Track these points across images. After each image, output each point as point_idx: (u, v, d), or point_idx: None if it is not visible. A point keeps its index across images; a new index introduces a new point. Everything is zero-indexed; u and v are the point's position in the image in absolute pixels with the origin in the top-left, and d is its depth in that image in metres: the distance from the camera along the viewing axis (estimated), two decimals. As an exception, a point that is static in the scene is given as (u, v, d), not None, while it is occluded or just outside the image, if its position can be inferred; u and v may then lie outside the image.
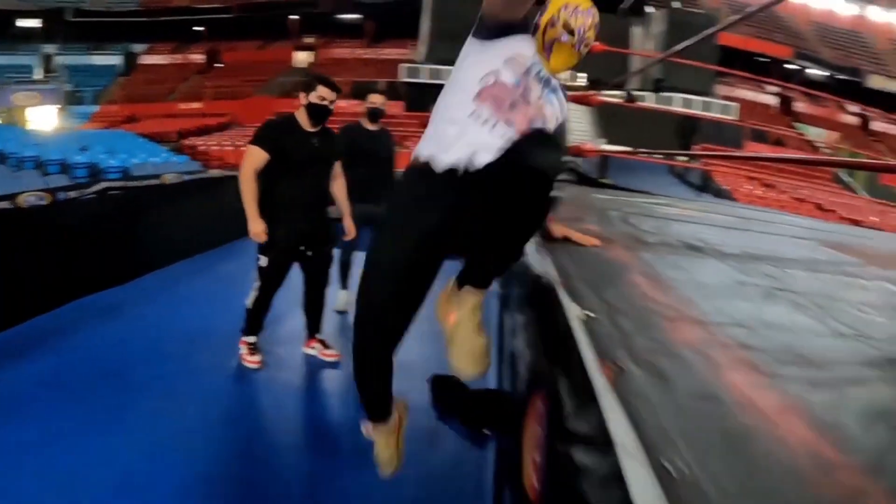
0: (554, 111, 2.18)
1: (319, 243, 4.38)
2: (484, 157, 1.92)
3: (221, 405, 3.77)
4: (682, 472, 0.81)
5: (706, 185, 18.38)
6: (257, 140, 4.04)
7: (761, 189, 20.17)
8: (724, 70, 23.42)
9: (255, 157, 4.00)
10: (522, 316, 2.26)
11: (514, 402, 2.23)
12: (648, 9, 27.39)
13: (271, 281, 4.25)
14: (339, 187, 4.53)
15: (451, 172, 1.92)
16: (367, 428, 2.25)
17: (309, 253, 4.33)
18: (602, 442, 0.88)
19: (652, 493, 0.75)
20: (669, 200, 5.61)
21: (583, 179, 9.22)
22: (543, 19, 2.19)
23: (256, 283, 4.25)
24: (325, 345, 4.60)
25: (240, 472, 3.09)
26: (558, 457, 0.88)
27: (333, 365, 4.49)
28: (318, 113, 4.14)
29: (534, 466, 1.30)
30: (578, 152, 5.51)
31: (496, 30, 2.02)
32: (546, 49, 2.18)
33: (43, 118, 33.26)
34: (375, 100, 5.27)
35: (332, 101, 4.13)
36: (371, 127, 5.31)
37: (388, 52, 34.46)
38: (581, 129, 23.04)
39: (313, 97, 4.07)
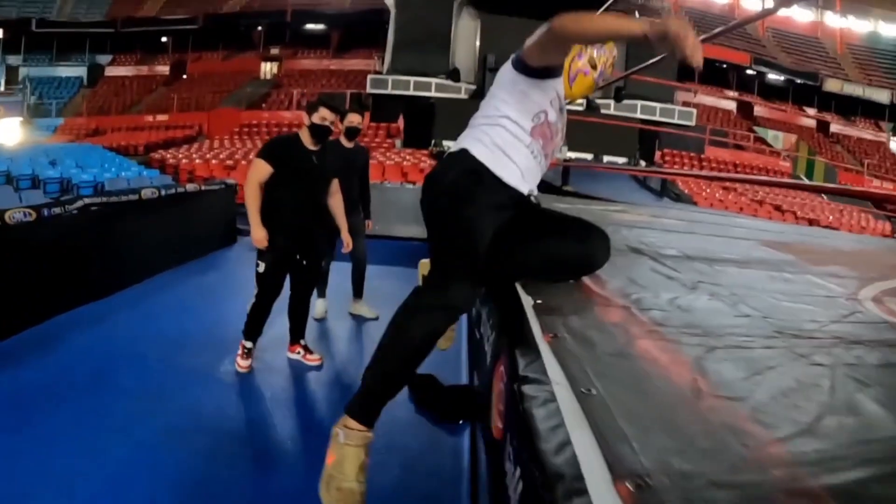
0: (563, 133, 2.60)
1: (313, 253, 4.73)
2: (527, 187, 2.31)
3: (207, 407, 3.94)
4: (594, 395, 1.23)
5: (665, 190, 18.86)
6: (263, 154, 4.41)
7: (720, 192, 20.69)
8: (680, 85, 23.95)
9: (260, 170, 4.35)
10: (487, 307, 2.58)
11: (483, 394, 2.44)
12: (608, 15, 27.90)
13: (269, 286, 4.55)
14: (336, 202, 4.89)
15: (508, 189, 2.24)
16: (344, 433, 2.13)
17: (304, 262, 4.66)
18: (542, 381, 1.26)
19: (573, 408, 1.15)
20: (625, 207, 5.98)
21: (546, 187, 9.59)
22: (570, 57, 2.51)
23: (256, 290, 4.55)
24: (307, 350, 4.86)
25: (226, 472, 3.28)
26: (513, 397, 1.23)
27: (316, 368, 4.78)
28: (320, 132, 4.48)
29: (498, 413, 1.64)
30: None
31: (543, 72, 2.28)
32: (570, 78, 2.50)
33: (6, 131, 32.88)
34: (353, 119, 5.63)
35: (332, 122, 4.48)
36: (348, 144, 5.71)
37: (353, 63, 34.67)
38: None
39: (316, 118, 4.41)
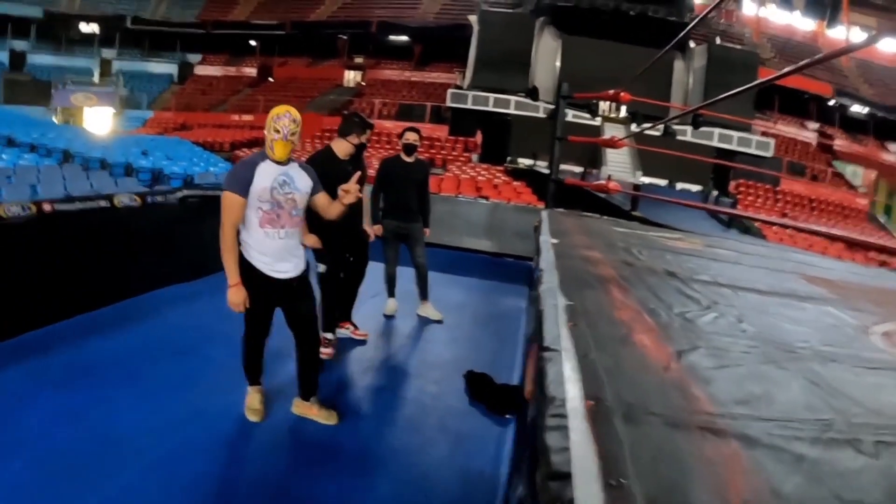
0: (301, 187, 3.75)
1: (358, 251, 5.51)
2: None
3: (284, 385, 4.34)
4: (593, 362, 1.71)
5: (734, 221, 18.85)
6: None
7: (792, 226, 20.52)
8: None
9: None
10: (532, 307, 3.03)
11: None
12: (691, 44, 27.87)
13: (331, 285, 5.21)
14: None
15: None
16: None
17: (351, 259, 5.41)
18: (556, 349, 1.74)
19: (574, 370, 1.61)
20: (684, 235, 6.25)
21: (614, 211, 9.92)
22: (266, 131, 3.67)
23: (320, 290, 5.05)
24: (356, 326, 5.69)
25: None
26: (539, 366, 1.68)
27: (362, 343, 5.62)
28: (361, 149, 5.25)
29: (529, 378, 2.09)
30: (605, 189, 6.23)
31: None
32: (271, 148, 3.63)
33: (99, 120, 34.70)
34: (409, 137, 6.35)
35: (368, 139, 5.30)
36: (408, 159, 6.38)
37: (434, 76, 35.34)
38: (619, 161, 23.59)
39: (363, 138, 5.21)
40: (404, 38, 37.38)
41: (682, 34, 5.84)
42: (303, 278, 3.92)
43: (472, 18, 28.17)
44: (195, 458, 3.41)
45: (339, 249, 5.23)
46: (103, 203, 6.21)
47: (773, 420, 1.53)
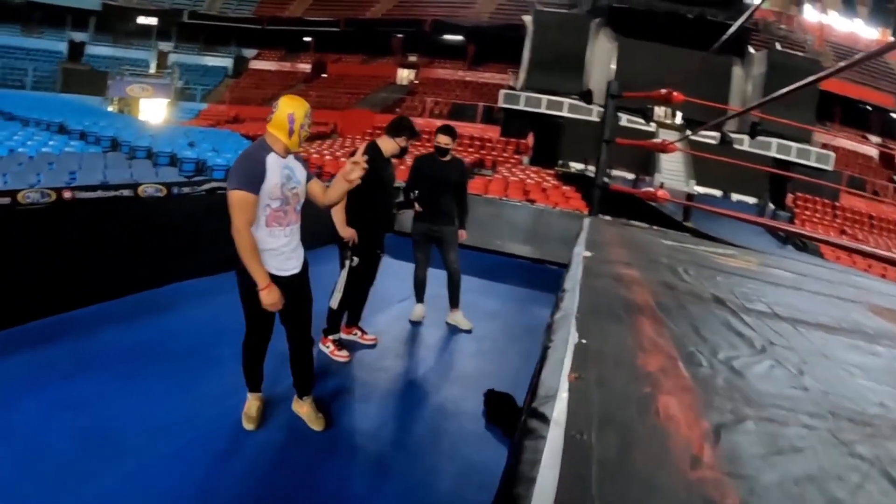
0: (301, 179, 3.58)
1: (382, 247, 5.37)
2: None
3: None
4: (586, 450, 1.19)
5: (791, 237, 18.10)
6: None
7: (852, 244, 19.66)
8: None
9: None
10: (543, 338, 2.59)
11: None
12: (750, 49, 27.06)
13: (362, 277, 5.15)
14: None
15: None
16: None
17: (379, 253, 5.33)
18: (545, 417, 1.28)
19: (554, 461, 1.14)
20: (737, 252, 5.75)
21: (665, 221, 9.41)
22: (283, 122, 3.43)
23: (342, 284, 5.04)
24: (363, 331, 5.49)
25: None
26: (517, 439, 1.25)
27: (370, 347, 5.36)
28: (403, 152, 5.27)
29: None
30: (653, 197, 5.75)
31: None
32: (291, 137, 3.44)
33: (153, 110, 35.62)
34: (441, 140, 6.06)
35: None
36: (442, 158, 6.12)
37: (487, 76, 35.18)
38: (672, 169, 22.95)
39: (409, 143, 5.23)
40: (458, 37, 37.28)
41: (733, 29, 5.37)
42: (303, 275, 3.78)
43: (527, 19, 27.79)
44: (178, 467, 3.30)
45: (375, 243, 5.22)
46: (127, 192, 6.08)
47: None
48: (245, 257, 3.34)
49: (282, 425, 3.89)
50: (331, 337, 5.12)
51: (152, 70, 40.25)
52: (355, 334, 5.42)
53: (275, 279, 3.47)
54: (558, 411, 1.32)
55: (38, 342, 4.59)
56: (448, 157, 6.09)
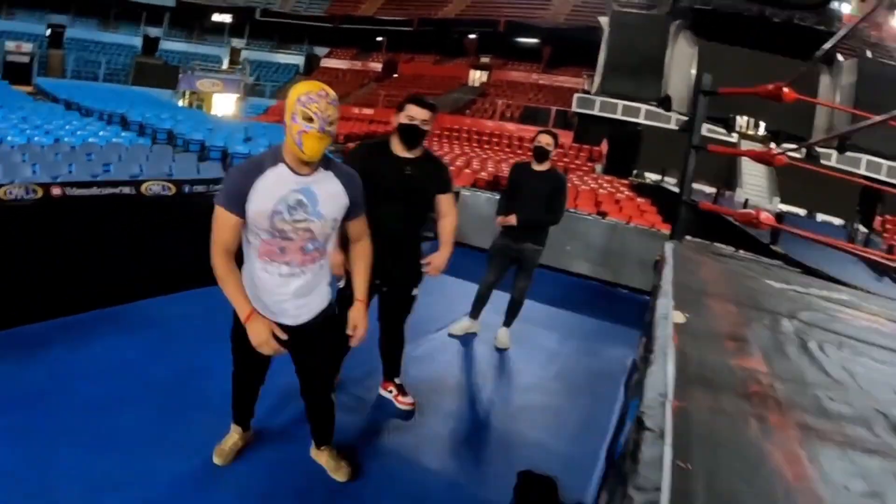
0: (326, 212, 2.60)
1: (397, 279, 3.90)
2: None
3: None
4: None
5: (889, 268, 16.53)
6: (347, 160, 3.55)
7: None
8: None
9: None
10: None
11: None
12: (839, 57, 25.48)
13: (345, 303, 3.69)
14: (446, 225, 4.00)
15: None
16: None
17: (384, 289, 3.87)
18: None
19: None
20: (852, 297, 4.52)
21: (749, 242, 8.29)
22: (286, 118, 2.46)
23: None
24: (401, 390, 4.20)
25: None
26: None
27: (405, 415, 4.10)
28: (408, 135, 3.69)
29: None
30: (748, 221, 4.65)
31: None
32: (297, 143, 2.44)
33: (223, 105, 36.28)
34: (543, 140, 5.19)
35: (423, 121, 3.62)
36: (538, 167, 5.29)
37: (562, 80, 34.77)
38: (755, 183, 21.60)
39: (402, 117, 3.64)
40: (533, 39, 36.68)
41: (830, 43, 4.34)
42: (321, 321, 2.89)
43: (603, 20, 26.80)
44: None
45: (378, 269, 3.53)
46: (127, 190, 5.39)
47: None
48: (219, 282, 2.58)
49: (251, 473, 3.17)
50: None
51: (225, 66, 41.28)
52: (390, 391, 4.25)
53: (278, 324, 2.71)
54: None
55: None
56: (546, 166, 5.28)
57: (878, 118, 3.36)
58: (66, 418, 3.39)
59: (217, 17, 42.48)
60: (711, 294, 3.12)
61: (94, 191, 5.15)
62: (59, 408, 3.50)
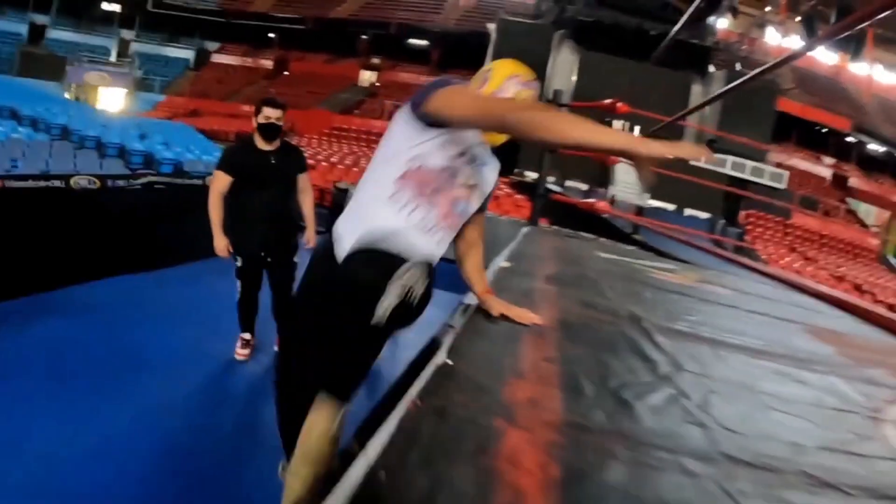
0: (482, 189, 2.30)
1: (280, 251, 4.86)
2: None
3: (206, 385, 4.62)
4: None
5: (741, 254, 18.15)
6: (220, 164, 4.68)
7: (801, 262, 19.96)
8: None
9: (220, 180, 4.64)
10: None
11: None
12: (711, 69, 27.31)
13: (245, 280, 4.87)
14: (306, 201, 5.05)
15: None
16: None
17: (269, 259, 4.85)
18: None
19: None
20: (681, 268, 5.55)
21: (614, 233, 9.27)
22: (488, 89, 2.24)
23: (237, 283, 4.89)
24: (244, 341, 5.21)
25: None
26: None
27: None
28: (267, 132, 4.65)
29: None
30: (594, 209, 5.58)
31: (438, 125, 1.96)
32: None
33: (111, 100, 35.16)
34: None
35: (277, 118, 4.64)
36: None
37: (451, 82, 35.02)
38: (627, 181, 22.98)
39: (260, 118, 4.63)
40: (423, 41, 37.34)
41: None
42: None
43: (491, 27, 27.76)
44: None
45: (254, 248, 4.86)
46: (58, 183, 5.94)
47: None
48: None
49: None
50: (241, 334, 5.17)
51: (113, 58, 39.93)
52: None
53: None
54: (375, 444, 1.08)
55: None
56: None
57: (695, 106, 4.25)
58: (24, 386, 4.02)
59: (107, 6, 41.08)
60: (540, 256, 3.99)
61: (30, 183, 5.61)
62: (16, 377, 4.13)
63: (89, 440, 3.44)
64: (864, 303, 4.40)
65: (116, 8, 41.19)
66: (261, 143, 4.73)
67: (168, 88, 38.44)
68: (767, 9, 34.61)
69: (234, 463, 3.55)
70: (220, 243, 4.68)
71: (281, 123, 4.70)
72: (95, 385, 4.16)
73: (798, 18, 29.98)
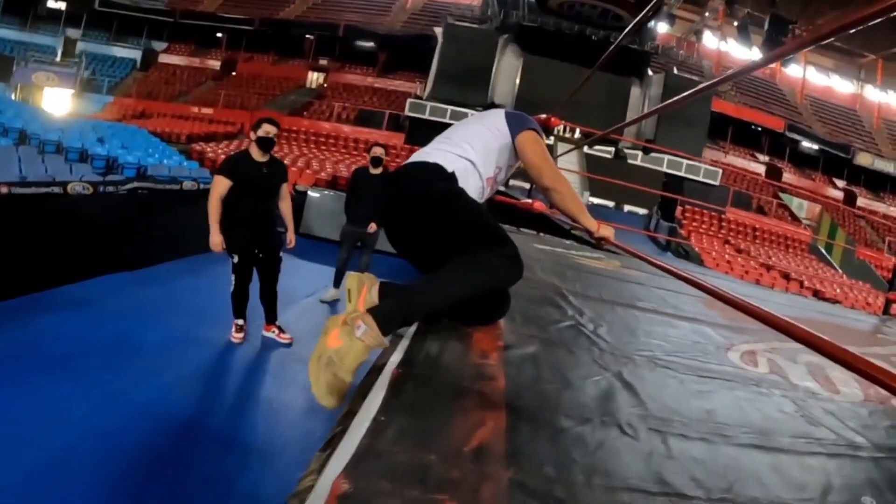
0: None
1: (268, 248, 5.85)
2: None
3: (204, 368, 5.28)
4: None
5: (672, 245, 19.32)
6: (221, 170, 5.56)
7: (731, 253, 21.09)
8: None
9: (220, 184, 5.49)
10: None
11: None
12: (649, 72, 28.57)
13: (239, 274, 5.77)
14: (285, 206, 6.04)
15: None
16: (364, 328, 1.96)
17: (261, 255, 5.81)
18: None
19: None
20: (606, 256, 6.47)
21: (555, 229, 10.21)
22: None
23: (232, 277, 5.75)
24: (280, 329, 6.14)
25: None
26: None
27: (287, 345, 6.05)
28: (265, 144, 5.61)
29: None
30: (530, 208, 6.39)
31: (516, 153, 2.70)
32: None
33: (58, 101, 34.15)
34: (377, 151, 7.42)
35: (275, 134, 5.63)
36: (374, 171, 7.47)
37: (396, 84, 35.73)
38: (569, 180, 23.97)
39: (260, 132, 5.57)
40: (370, 43, 37.44)
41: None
42: None
43: (438, 30, 28.41)
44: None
45: (250, 243, 5.77)
46: (56, 189, 6.53)
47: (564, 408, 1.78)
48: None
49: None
50: (235, 320, 5.99)
51: (58, 58, 38.71)
52: (273, 332, 6.14)
53: None
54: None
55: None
56: (380, 170, 7.53)
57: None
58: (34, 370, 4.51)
59: (52, 4, 39.89)
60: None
61: (33, 190, 6.21)
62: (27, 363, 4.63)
63: (102, 416, 3.96)
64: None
65: (62, 6, 39.97)
66: (256, 155, 5.66)
67: (115, 89, 37.28)
68: (706, 14, 35.93)
69: (230, 428, 4.32)
70: (216, 239, 5.51)
71: (275, 139, 5.67)
72: (105, 364, 4.78)
73: (736, 24, 31.26)
